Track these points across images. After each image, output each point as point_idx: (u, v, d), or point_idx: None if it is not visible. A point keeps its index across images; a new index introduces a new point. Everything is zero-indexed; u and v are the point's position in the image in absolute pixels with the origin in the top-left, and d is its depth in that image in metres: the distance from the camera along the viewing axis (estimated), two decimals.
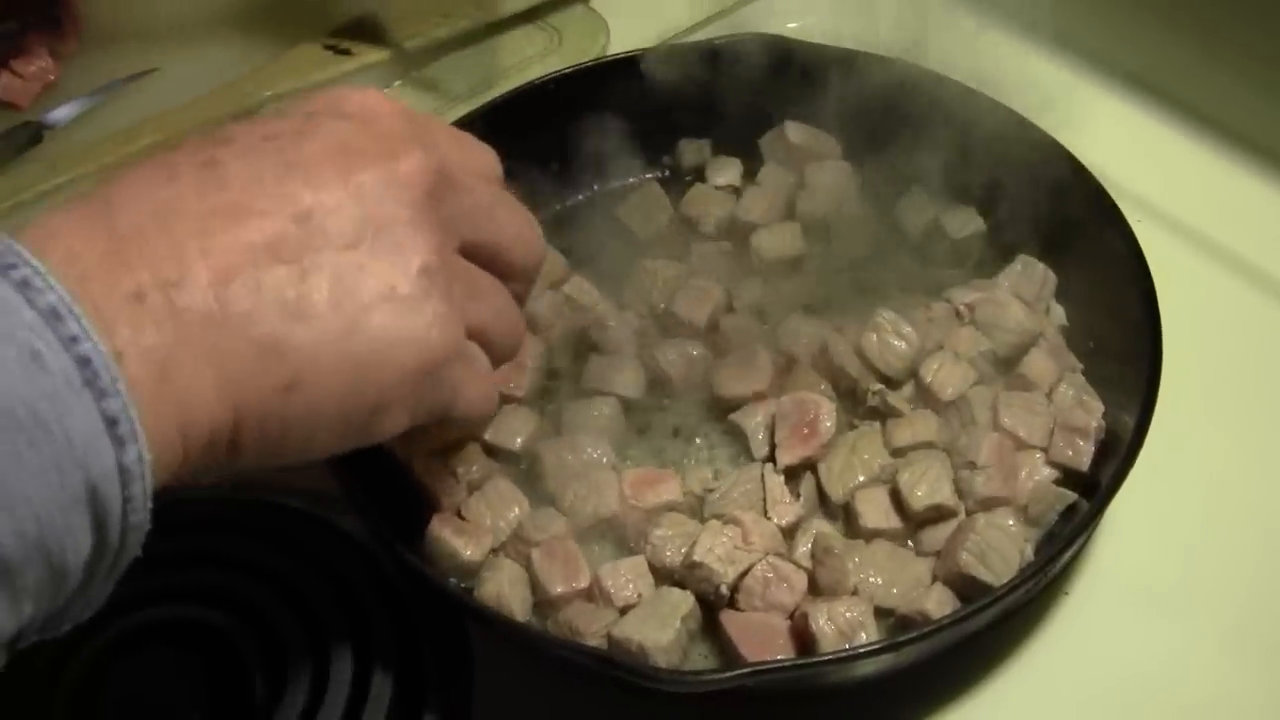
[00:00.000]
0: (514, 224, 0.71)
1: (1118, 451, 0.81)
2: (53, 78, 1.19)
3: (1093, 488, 0.82)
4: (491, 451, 0.87)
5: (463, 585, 0.82)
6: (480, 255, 0.68)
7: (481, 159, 0.71)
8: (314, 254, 0.59)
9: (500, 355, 0.71)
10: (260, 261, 0.58)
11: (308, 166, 0.61)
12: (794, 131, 1.02)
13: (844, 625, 0.75)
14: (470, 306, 0.66)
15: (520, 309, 0.73)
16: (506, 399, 0.88)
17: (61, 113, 1.15)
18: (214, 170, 0.59)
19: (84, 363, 0.50)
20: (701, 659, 0.79)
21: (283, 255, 0.58)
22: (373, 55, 1.18)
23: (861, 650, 0.73)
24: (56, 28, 1.19)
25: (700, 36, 1.08)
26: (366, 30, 1.19)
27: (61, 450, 0.48)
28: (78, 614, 0.54)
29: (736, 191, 1.03)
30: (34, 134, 1.14)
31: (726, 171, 1.04)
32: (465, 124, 0.96)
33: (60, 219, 0.55)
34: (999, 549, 0.78)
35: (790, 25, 1.13)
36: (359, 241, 0.60)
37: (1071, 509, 0.82)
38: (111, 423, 0.50)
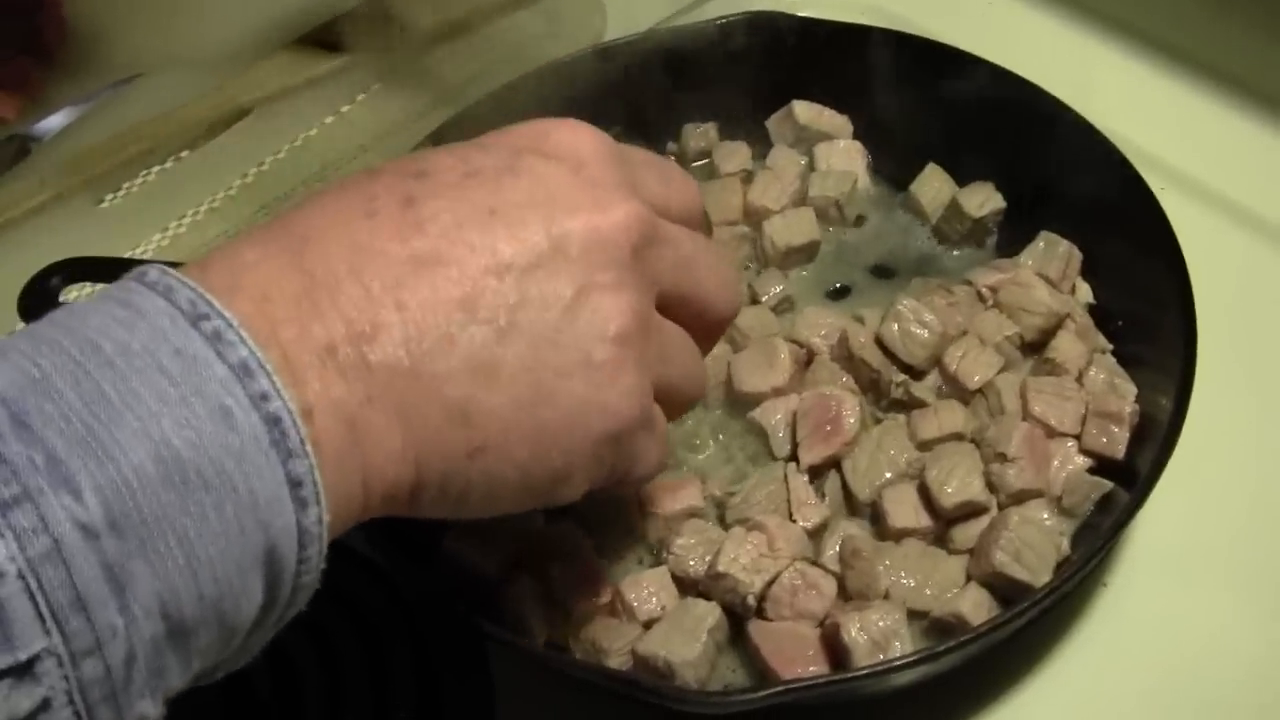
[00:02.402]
0: (715, 275, 0.67)
1: (1154, 436, 0.78)
2: (37, 88, 1.15)
3: (1129, 475, 0.79)
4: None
5: (480, 602, 0.79)
6: (676, 308, 0.64)
7: (687, 196, 0.68)
8: (510, 313, 0.56)
9: (679, 413, 0.68)
10: (456, 318, 0.55)
11: (512, 215, 0.57)
12: (802, 111, 0.99)
13: (877, 635, 0.72)
14: (661, 370, 0.63)
15: (703, 363, 0.69)
16: None
17: (47, 124, 1.12)
18: (413, 210, 0.56)
19: (273, 422, 0.48)
20: (730, 672, 0.76)
21: (479, 314, 0.55)
22: (362, 48, 1.15)
23: (896, 663, 0.70)
24: (39, 38, 1.16)
25: (701, 15, 1.04)
26: (354, 24, 1.15)
27: (245, 511, 0.47)
28: (233, 664, 0.53)
29: (748, 176, 0.99)
30: (20, 148, 1.11)
31: (734, 157, 1.00)
32: (464, 116, 0.94)
33: (251, 253, 0.53)
34: (1034, 546, 0.75)
35: None
36: (557, 302, 0.57)
37: (1107, 497, 0.79)
38: (296, 484, 0.49)
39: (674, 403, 0.66)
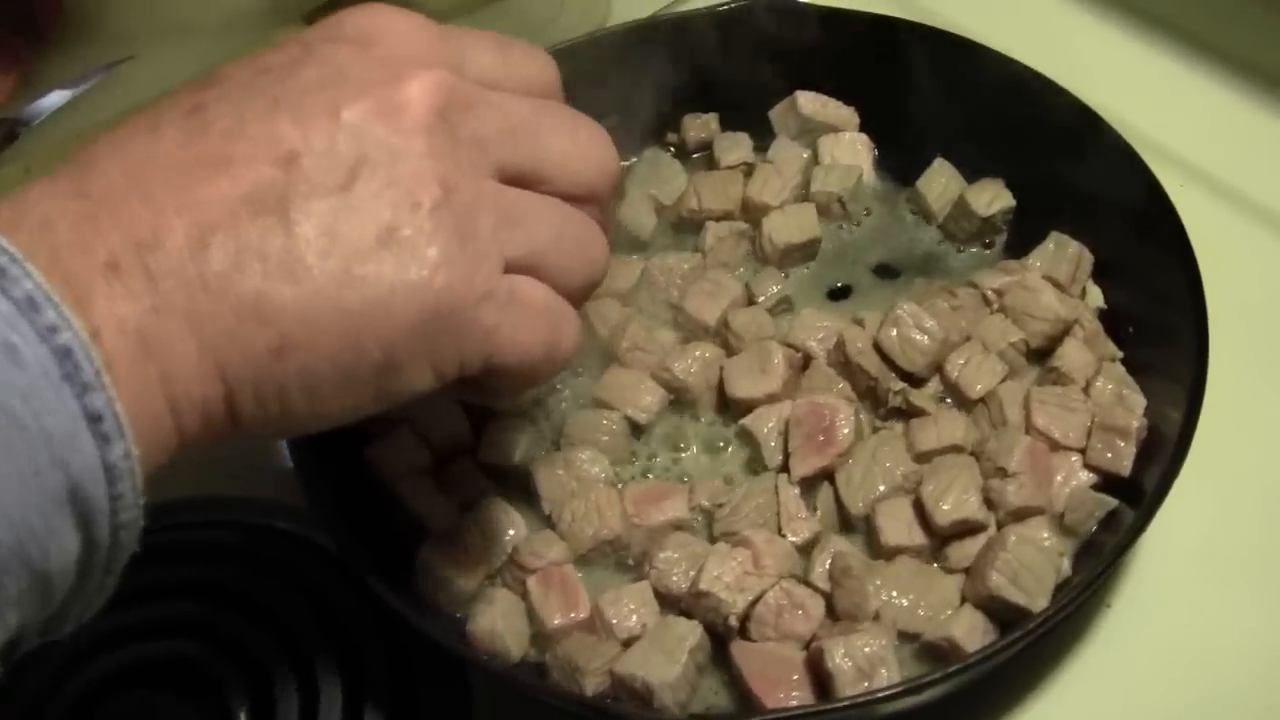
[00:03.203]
0: (565, 138, 0.62)
1: (1162, 452, 0.74)
2: (28, 70, 1.13)
3: (1135, 492, 0.75)
4: (486, 468, 0.82)
5: (457, 615, 0.76)
6: (528, 178, 0.60)
7: (531, 69, 0.63)
8: (300, 201, 0.53)
9: (572, 286, 0.62)
10: (240, 214, 0.52)
11: (294, 102, 0.54)
12: (806, 102, 0.95)
13: (862, 661, 0.69)
14: (510, 237, 0.58)
15: (599, 229, 0.64)
16: (491, 411, 0.82)
17: (37, 108, 1.10)
18: (198, 115, 0.54)
19: (64, 354, 0.46)
20: (712, 694, 0.74)
21: (265, 205, 0.52)
22: None
23: (880, 694, 0.67)
24: (30, 20, 1.13)
25: (705, 1, 1.01)
26: (351, 4, 1.12)
27: (38, 450, 0.45)
28: (79, 614, 0.50)
29: (749, 169, 0.95)
30: (8, 132, 1.08)
31: (736, 149, 0.96)
32: None
33: (38, 188, 0.51)
34: (1032, 567, 0.72)
35: None
36: (351, 182, 0.54)
37: (1112, 515, 0.76)
38: (95, 419, 0.47)
39: (556, 277, 0.61)
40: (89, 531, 0.47)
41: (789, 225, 0.90)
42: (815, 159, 0.95)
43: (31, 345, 0.45)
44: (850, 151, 0.95)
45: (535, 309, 0.59)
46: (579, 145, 0.63)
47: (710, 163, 0.97)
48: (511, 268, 0.58)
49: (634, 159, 0.98)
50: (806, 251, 0.90)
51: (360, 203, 0.54)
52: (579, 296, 0.63)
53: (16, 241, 0.47)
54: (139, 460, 0.48)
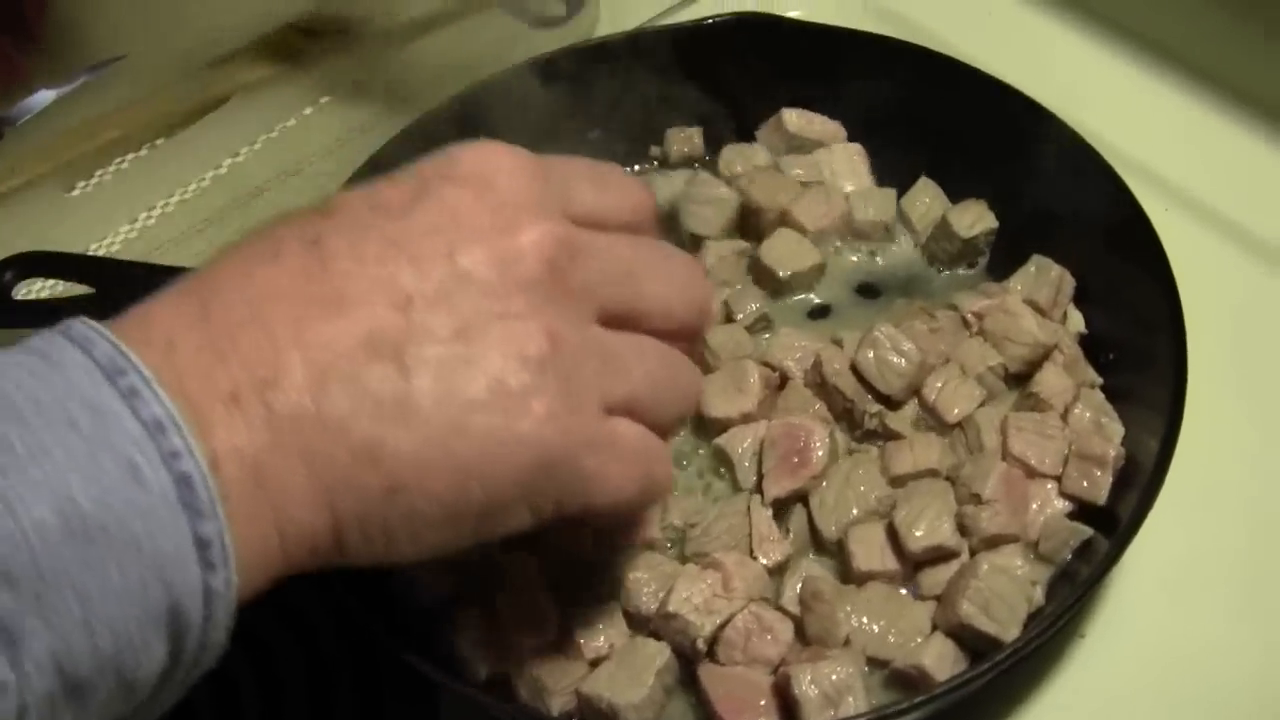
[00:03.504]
0: (661, 278, 0.63)
1: (1139, 480, 0.74)
2: (15, 69, 1.12)
3: (1111, 521, 0.75)
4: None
5: (426, 631, 0.76)
6: (627, 319, 0.61)
7: (628, 202, 0.64)
8: (415, 347, 0.54)
9: (665, 422, 0.64)
10: (358, 358, 0.53)
11: (412, 244, 0.55)
12: (792, 119, 0.95)
13: (829, 689, 0.69)
14: (611, 382, 0.59)
15: (692, 365, 0.66)
16: None
17: (23, 106, 1.09)
18: (317, 249, 0.55)
19: (183, 480, 0.48)
20: (679, 716, 0.73)
21: (382, 350, 0.53)
22: (347, 37, 1.11)
23: None
24: (20, 19, 1.12)
25: (692, 14, 1.00)
26: (336, 12, 1.12)
27: (148, 570, 0.47)
28: (144, 718, 0.51)
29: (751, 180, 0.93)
30: None
31: (737, 161, 0.95)
32: (435, 116, 0.91)
33: (162, 306, 0.53)
34: (1004, 596, 0.71)
35: None
36: (465, 331, 0.55)
37: (1087, 544, 0.75)
38: (204, 545, 0.48)
39: (651, 416, 0.62)
40: (178, 648, 0.49)
41: (790, 253, 0.89)
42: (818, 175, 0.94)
43: (155, 468, 0.47)
44: (847, 162, 0.94)
45: (631, 450, 0.61)
46: (676, 285, 0.64)
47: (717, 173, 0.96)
48: (610, 410, 0.59)
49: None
50: (811, 279, 0.90)
51: (472, 352, 0.55)
52: (670, 430, 0.65)
53: (145, 360, 0.49)
54: (238, 587, 0.50)
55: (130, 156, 1.06)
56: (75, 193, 1.05)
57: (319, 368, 0.52)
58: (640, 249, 0.63)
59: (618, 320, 0.61)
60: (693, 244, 0.91)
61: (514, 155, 0.59)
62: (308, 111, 1.08)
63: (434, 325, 0.54)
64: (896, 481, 0.78)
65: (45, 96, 1.10)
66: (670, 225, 0.92)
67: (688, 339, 0.66)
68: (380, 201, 0.57)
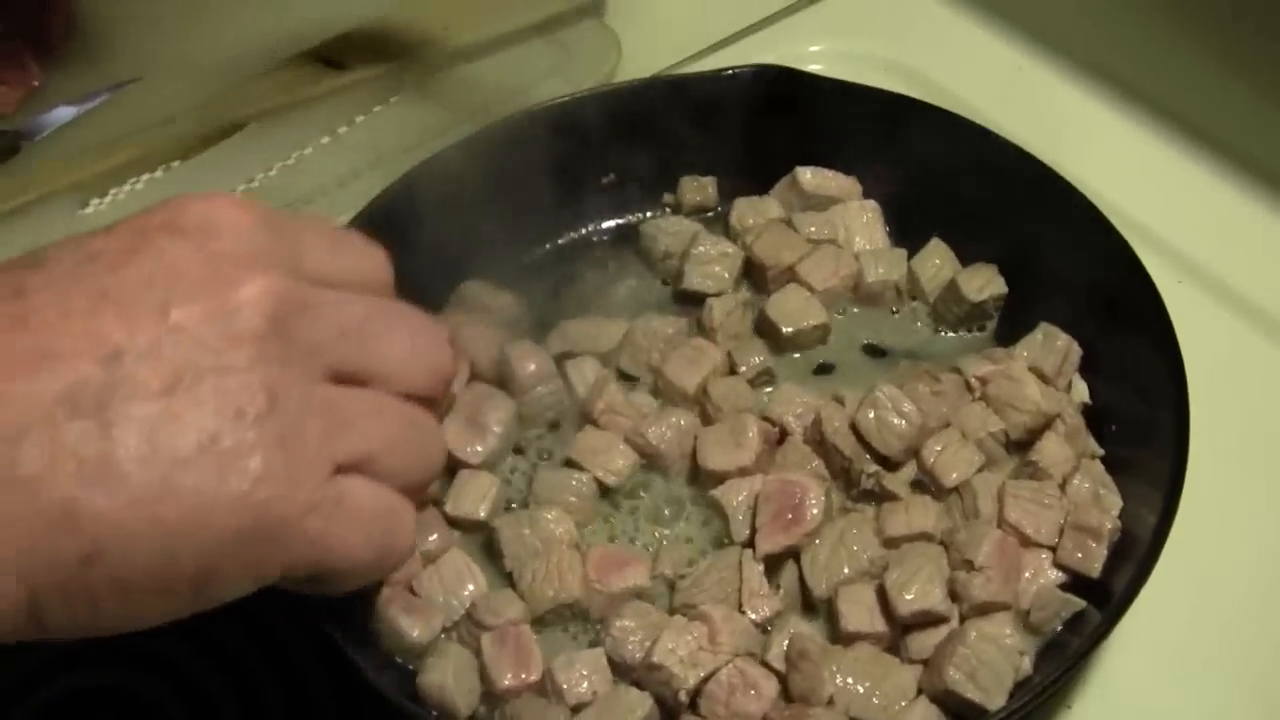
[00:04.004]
0: (399, 339, 0.62)
1: (1134, 555, 0.73)
2: (36, 84, 1.13)
3: (1104, 594, 0.74)
4: (452, 521, 0.81)
5: (409, 667, 0.75)
6: (361, 378, 0.60)
7: (364, 265, 0.63)
8: (121, 404, 0.51)
9: (408, 483, 0.62)
10: (57, 414, 0.50)
11: (124, 297, 0.53)
12: (807, 178, 0.94)
13: None
14: (341, 441, 0.57)
15: (435, 425, 0.64)
16: (462, 464, 0.82)
17: (41, 122, 1.10)
18: (19, 302, 0.52)
19: None
20: None
21: (84, 406, 0.51)
22: (367, 70, 1.11)
23: None
24: (43, 32, 1.13)
25: (714, 62, 1.00)
26: (360, 44, 1.12)
27: None
28: None
29: (759, 234, 0.93)
30: (11, 144, 1.08)
31: (749, 214, 0.95)
32: (448, 156, 0.90)
33: None
34: (991, 664, 0.70)
35: (813, 48, 1.09)
36: (175, 386, 0.52)
37: (1079, 615, 0.74)
38: None
39: (390, 477, 0.60)
40: None
41: (796, 310, 0.89)
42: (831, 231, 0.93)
43: None
44: (861, 220, 0.94)
45: (365, 512, 0.59)
46: (413, 346, 0.63)
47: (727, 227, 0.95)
48: (343, 469, 0.57)
49: (630, 218, 0.97)
50: (815, 337, 0.89)
51: (183, 409, 0.52)
52: (415, 492, 0.63)
53: None
54: None
55: (145, 177, 1.06)
56: (89, 210, 1.04)
57: (13, 425, 0.50)
58: (374, 308, 0.61)
59: (351, 379, 0.59)
60: (696, 300, 0.91)
61: (242, 208, 0.57)
62: (325, 141, 1.08)
63: (142, 380, 0.52)
64: (890, 543, 0.77)
65: (64, 113, 1.11)
66: (675, 275, 0.93)
67: (427, 402, 0.64)
68: (93, 252, 0.54)
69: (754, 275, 0.93)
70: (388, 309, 0.62)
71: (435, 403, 0.64)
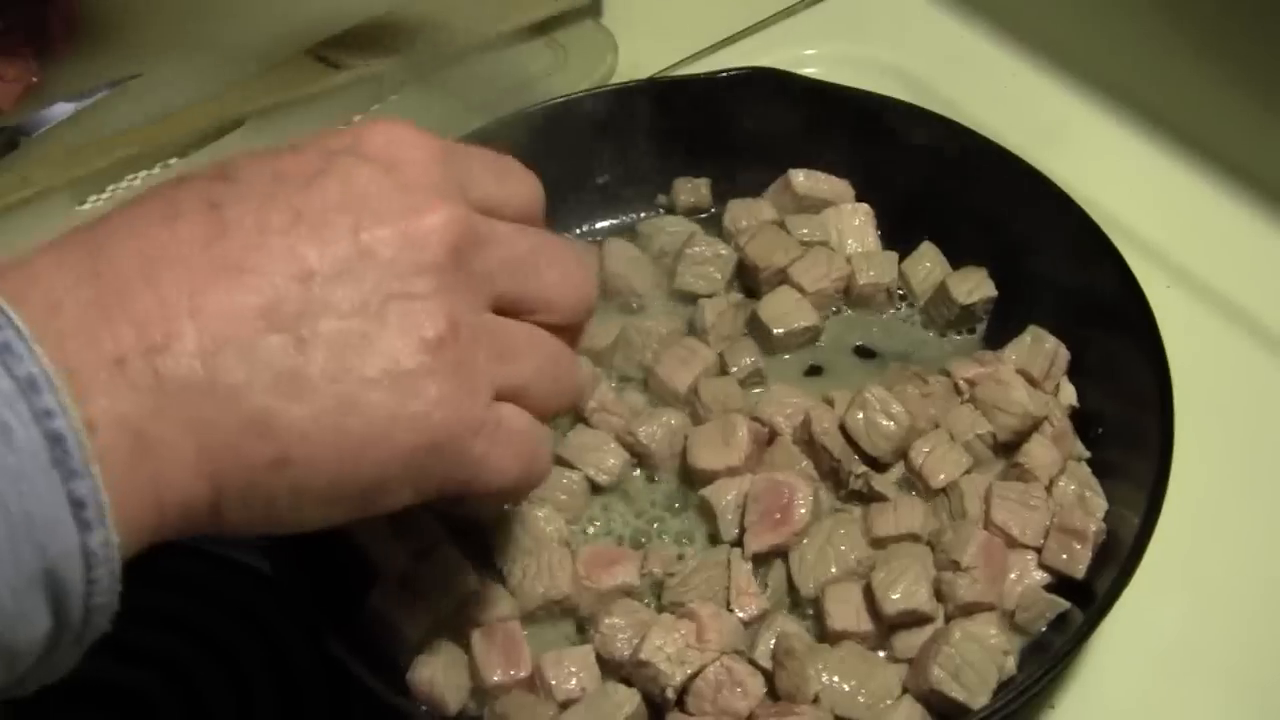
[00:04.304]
0: (555, 271, 0.64)
1: (1118, 556, 0.74)
2: (35, 79, 1.13)
3: (1088, 595, 0.75)
4: (444, 517, 0.81)
5: (399, 663, 0.76)
6: (519, 308, 0.62)
7: (524, 193, 0.65)
8: (313, 321, 0.53)
9: (548, 411, 0.64)
10: (255, 327, 0.52)
11: (317, 219, 0.55)
12: (800, 181, 0.95)
13: None
14: (502, 370, 0.60)
15: (574, 357, 0.66)
16: None
17: (41, 117, 1.10)
18: (216, 214, 0.54)
19: (56, 440, 0.46)
20: None
21: (279, 322, 0.53)
22: (364, 68, 1.12)
23: None
24: (44, 28, 1.14)
25: (711, 64, 1.01)
26: (358, 42, 1.12)
27: (19, 531, 0.45)
28: (40, 679, 0.50)
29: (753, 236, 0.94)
30: (10, 140, 1.08)
31: (742, 216, 0.96)
32: None
33: (46, 260, 0.51)
34: (975, 664, 0.71)
35: (808, 51, 1.10)
36: (364, 309, 0.54)
37: (1063, 616, 0.75)
38: (79, 505, 0.47)
39: (536, 404, 0.62)
40: (61, 612, 0.48)
41: (787, 311, 0.90)
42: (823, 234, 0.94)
43: (26, 427, 0.46)
44: (854, 223, 0.94)
45: (517, 436, 0.61)
46: (568, 278, 0.64)
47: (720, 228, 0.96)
48: (498, 396, 0.60)
49: (623, 218, 0.98)
50: (805, 338, 0.90)
51: (370, 331, 0.54)
52: (549, 419, 0.64)
53: (24, 316, 0.47)
54: (118, 547, 0.48)
55: (143, 174, 1.07)
56: (86, 206, 1.05)
57: (213, 336, 0.51)
58: (538, 241, 0.63)
59: (510, 309, 0.61)
60: (690, 300, 0.92)
61: (421, 137, 0.59)
62: None
63: (334, 300, 0.54)
64: (877, 543, 0.78)
65: (63, 109, 1.11)
66: (666, 277, 0.94)
67: (572, 332, 0.66)
68: (284, 170, 0.56)
69: (747, 277, 0.93)
70: (548, 242, 0.64)
71: (576, 334, 0.67)
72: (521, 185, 0.65)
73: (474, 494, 0.61)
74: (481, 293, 0.59)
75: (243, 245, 0.53)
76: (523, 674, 0.74)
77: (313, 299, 0.53)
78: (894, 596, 0.74)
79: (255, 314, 0.52)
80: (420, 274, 0.56)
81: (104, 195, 1.06)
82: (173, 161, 1.07)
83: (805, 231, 0.93)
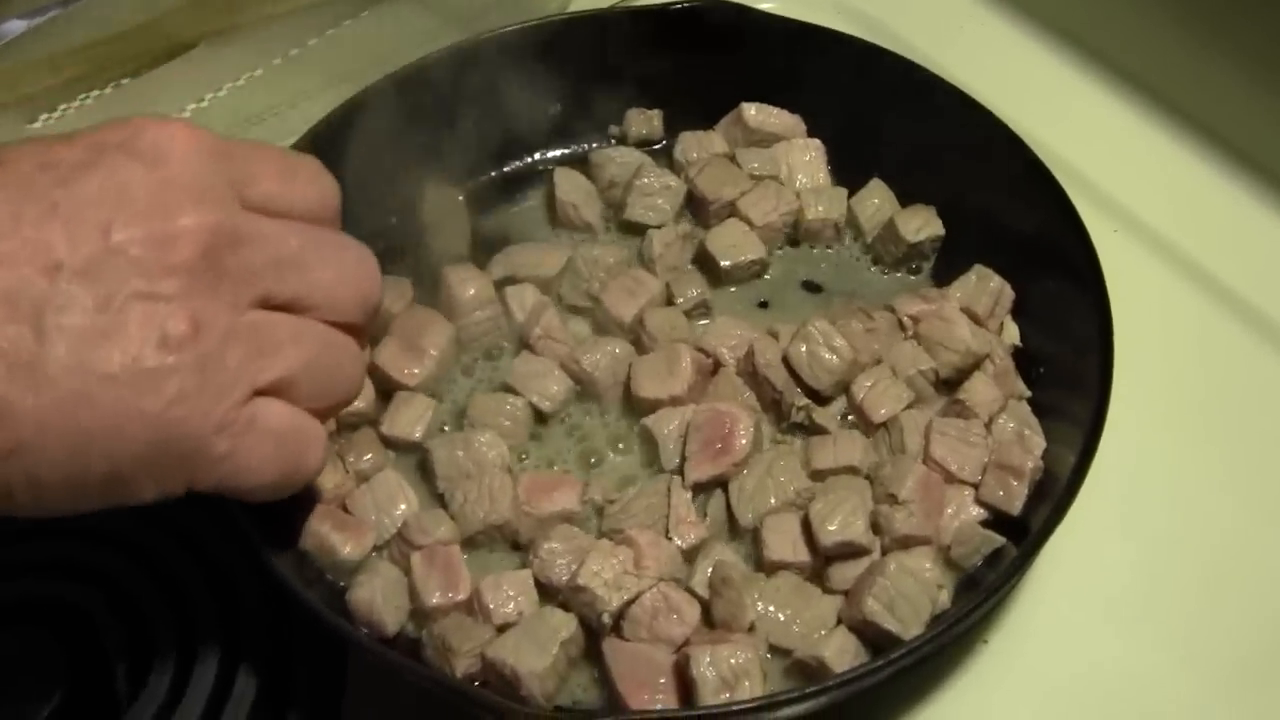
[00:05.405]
0: (330, 270, 0.64)
1: (1053, 493, 0.75)
2: None
3: (1023, 532, 0.75)
4: (387, 440, 0.81)
5: (340, 584, 0.77)
6: (293, 306, 0.62)
7: (312, 194, 0.65)
8: (55, 314, 0.54)
9: (324, 405, 0.65)
10: None
11: (72, 213, 0.56)
12: (751, 114, 0.95)
13: (727, 672, 0.69)
14: (262, 366, 0.60)
15: (357, 352, 0.66)
16: (398, 386, 0.82)
17: None
18: None
19: None
20: (580, 689, 0.74)
21: (22, 311, 0.54)
22: None
23: (736, 707, 0.67)
24: None
25: None
26: None
27: None
28: None
29: (701, 169, 0.94)
30: None
31: (693, 148, 0.96)
32: (397, 81, 0.90)
33: None
34: (909, 597, 0.72)
35: None
36: (108, 305, 0.55)
37: (998, 552, 0.76)
38: None
39: (310, 401, 0.63)
40: None
41: (734, 244, 0.90)
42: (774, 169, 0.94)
43: None
44: (804, 158, 0.94)
45: (275, 435, 0.61)
46: (344, 277, 0.65)
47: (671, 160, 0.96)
48: (262, 392, 0.60)
49: (575, 148, 0.98)
50: (751, 271, 0.90)
51: (111, 327, 0.55)
52: (331, 413, 0.66)
53: None
54: None
55: (95, 94, 1.06)
56: (38, 125, 1.04)
57: None
58: (309, 239, 0.63)
59: (284, 307, 0.62)
60: (639, 231, 0.92)
61: (196, 135, 0.60)
62: (276, 63, 1.08)
63: (78, 295, 0.55)
64: (816, 476, 0.79)
65: (15, 26, 1.09)
66: (617, 205, 0.94)
67: (355, 331, 0.66)
68: (51, 160, 0.57)
69: (696, 209, 0.93)
70: (323, 240, 0.64)
71: (362, 330, 0.66)
72: (311, 186, 0.65)
73: (229, 493, 0.62)
74: (241, 292, 0.59)
75: None
76: (461, 597, 0.75)
77: (57, 292, 0.54)
78: (831, 528, 0.74)
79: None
80: (168, 275, 0.56)
81: (55, 114, 1.05)
82: (125, 81, 1.07)
83: (756, 165, 0.93)
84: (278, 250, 0.61)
